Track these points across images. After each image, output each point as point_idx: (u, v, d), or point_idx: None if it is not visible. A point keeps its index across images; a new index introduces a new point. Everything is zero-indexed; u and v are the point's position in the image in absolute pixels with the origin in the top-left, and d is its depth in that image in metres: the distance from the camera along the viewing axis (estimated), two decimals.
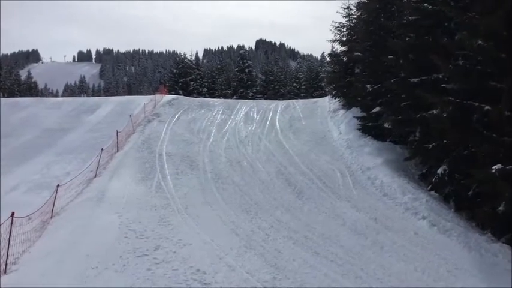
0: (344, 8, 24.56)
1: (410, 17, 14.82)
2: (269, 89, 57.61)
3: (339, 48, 26.18)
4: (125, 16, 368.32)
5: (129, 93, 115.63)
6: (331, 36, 25.58)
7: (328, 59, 40.60)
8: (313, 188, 14.14)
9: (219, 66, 65.73)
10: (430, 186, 13.62)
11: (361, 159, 16.76)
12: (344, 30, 24.73)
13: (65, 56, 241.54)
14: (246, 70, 55.18)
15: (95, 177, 14.99)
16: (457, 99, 11.11)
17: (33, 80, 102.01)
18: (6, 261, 8.46)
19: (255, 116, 25.27)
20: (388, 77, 16.40)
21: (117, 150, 18.09)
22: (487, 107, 10.37)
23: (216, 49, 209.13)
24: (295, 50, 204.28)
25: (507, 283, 8.55)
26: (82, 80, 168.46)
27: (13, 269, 8.49)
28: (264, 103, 31.44)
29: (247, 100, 36.28)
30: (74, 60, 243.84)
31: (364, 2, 21.22)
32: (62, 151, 19.65)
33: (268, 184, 14.38)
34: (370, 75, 19.18)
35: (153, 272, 8.11)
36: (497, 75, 10.35)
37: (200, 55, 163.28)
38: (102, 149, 16.76)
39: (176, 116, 24.44)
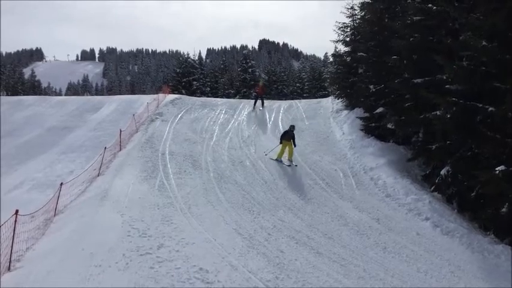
0: (348, 8, 24.47)
1: (414, 18, 14.76)
2: (272, 89, 57.63)
3: (342, 48, 26.10)
4: (128, 16, 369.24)
5: (132, 93, 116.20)
6: (335, 37, 25.55)
7: (331, 59, 40.49)
8: (316, 188, 14.14)
9: (222, 66, 65.87)
10: (433, 187, 13.60)
11: (364, 159, 16.75)
12: (348, 30, 24.60)
13: (68, 55, 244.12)
14: (249, 70, 55.19)
15: (98, 175, 15.02)
16: (461, 100, 11.11)
17: (36, 79, 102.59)
18: (10, 258, 8.52)
19: (258, 116, 25.25)
20: (391, 78, 16.37)
21: (120, 149, 18.12)
22: (491, 108, 10.38)
23: (219, 49, 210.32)
24: (298, 50, 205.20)
25: (509, 284, 8.56)
26: (85, 79, 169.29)
27: (17, 267, 8.55)
28: (267, 103, 31.39)
29: (250, 100, 36.19)
30: (77, 59, 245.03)
31: (368, 2, 21.15)
32: (65, 150, 19.73)
33: (271, 184, 14.38)
34: (374, 75, 19.13)
35: (156, 270, 8.12)
36: (502, 76, 10.33)
37: (203, 55, 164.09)
38: (105, 147, 16.80)
39: (179, 116, 24.42)
